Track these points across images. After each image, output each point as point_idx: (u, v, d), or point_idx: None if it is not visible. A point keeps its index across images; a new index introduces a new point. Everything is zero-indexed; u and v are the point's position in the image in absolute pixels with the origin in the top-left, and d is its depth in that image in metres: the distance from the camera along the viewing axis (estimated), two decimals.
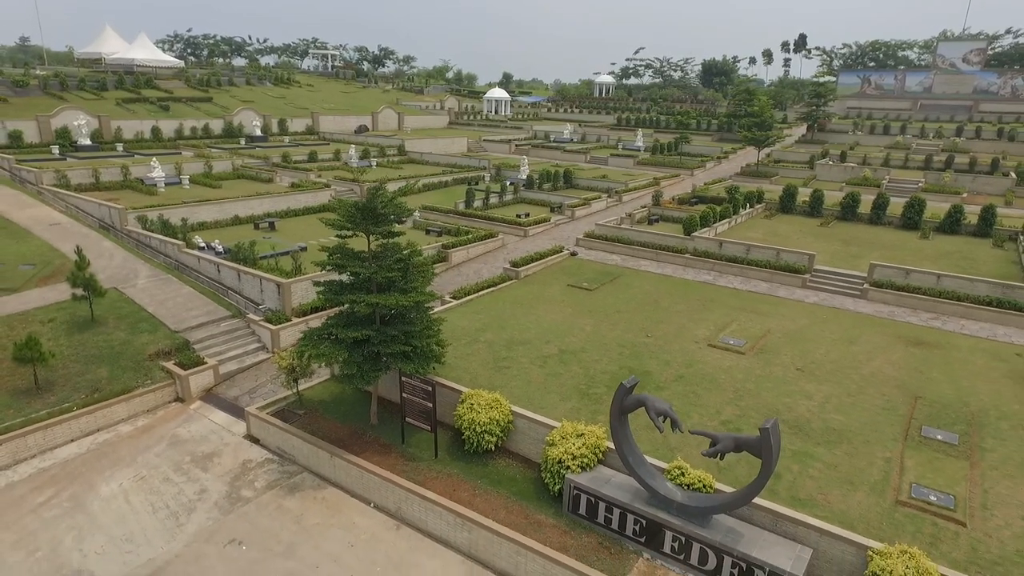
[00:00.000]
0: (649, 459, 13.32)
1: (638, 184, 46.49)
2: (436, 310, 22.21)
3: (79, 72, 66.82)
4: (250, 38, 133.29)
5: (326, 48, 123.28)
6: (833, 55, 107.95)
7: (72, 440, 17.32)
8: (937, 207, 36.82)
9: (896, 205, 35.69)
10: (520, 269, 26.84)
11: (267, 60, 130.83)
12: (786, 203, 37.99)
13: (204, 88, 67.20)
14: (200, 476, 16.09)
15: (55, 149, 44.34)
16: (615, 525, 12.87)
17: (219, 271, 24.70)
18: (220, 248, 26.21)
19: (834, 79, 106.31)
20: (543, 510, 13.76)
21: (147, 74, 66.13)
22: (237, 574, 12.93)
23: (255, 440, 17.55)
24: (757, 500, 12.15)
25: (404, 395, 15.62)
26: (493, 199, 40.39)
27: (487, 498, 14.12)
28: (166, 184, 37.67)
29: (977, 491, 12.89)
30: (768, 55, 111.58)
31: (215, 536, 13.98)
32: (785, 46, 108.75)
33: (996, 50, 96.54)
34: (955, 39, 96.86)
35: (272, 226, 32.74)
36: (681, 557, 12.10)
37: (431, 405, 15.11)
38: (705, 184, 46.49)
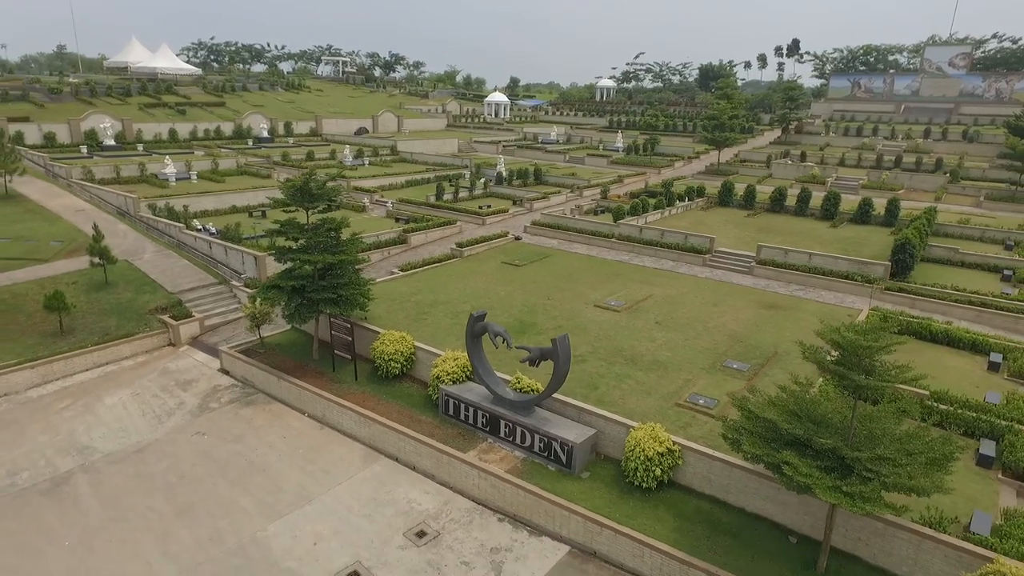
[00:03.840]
0: (499, 374, 17.96)
1: (602, 181, 50.81)
2: (381, 279, 27.16)
3: (107, 79, 73.34)
4: (268, 45, 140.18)
5: (339, 54, 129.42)
6: (825, 59, 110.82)
7: (87, 369, 22.47)
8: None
9: (817, 199, 39.59)
10: (464, 249, 31.54)
11: (284, 66, 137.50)
12: (724, 197, 42.12)
13: (219, 93, 73.21)
14: (180, 394, 21.10)
15: (83, 149, 50.33)
16: (470, 420, 17.50)
17: (211, 248, 29.86)
18: (213, 230, 31.37)
19: (823, 82, 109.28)
20: (425, 414, 18.45)
21: (168, 81, 72.36)
22: (197, 451, 17.86)
23: (226, 372, 22.53)
24: (567, 399, 16.72)
25: (332, 332, 20.47)
26: (463, 193, 45.13)
27: (387, 407, 18.84)
28: (177, 179, 43.17)
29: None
30: (763, 59, 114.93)
31: (185, 430, 18.96)
32: (779, 51, 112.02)
33: (983, 53, 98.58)
34: (942, 44, 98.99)
35: (264, 214, 37.89)
36: (510, 439, 16.68)
37: (350, 339, 19.93)
38: (663, 181, 50.65)
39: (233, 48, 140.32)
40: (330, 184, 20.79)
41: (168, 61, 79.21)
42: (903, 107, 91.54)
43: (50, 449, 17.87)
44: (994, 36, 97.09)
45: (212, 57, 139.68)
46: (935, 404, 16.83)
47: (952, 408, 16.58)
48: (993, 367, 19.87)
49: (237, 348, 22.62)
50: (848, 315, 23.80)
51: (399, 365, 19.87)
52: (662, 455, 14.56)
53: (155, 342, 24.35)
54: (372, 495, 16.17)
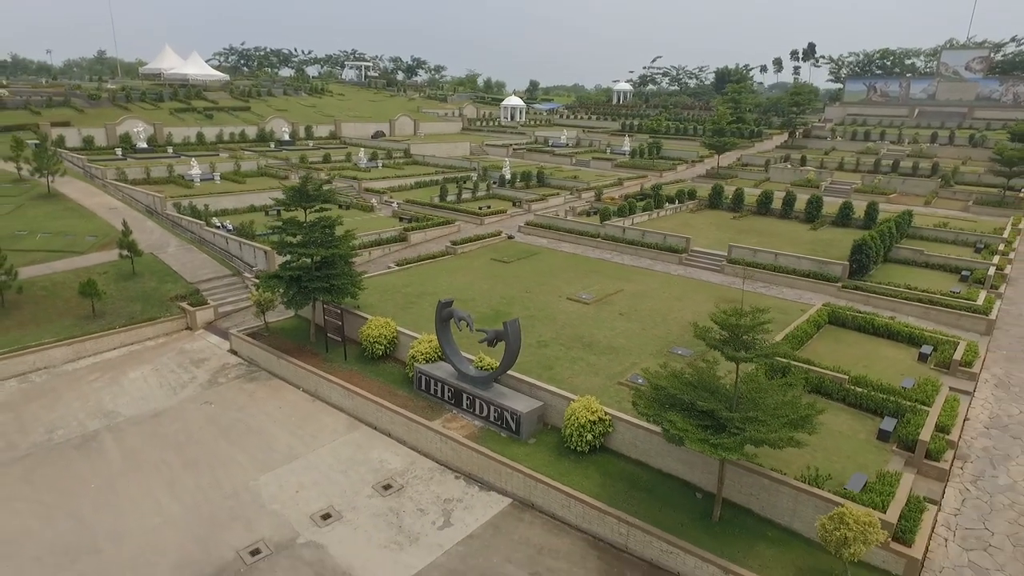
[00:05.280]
0: (465, 354, 20.39)
1: (602, 184, 52.91)
2: (376, 273, 29.82)
3: (142, 85, 77.83)
4: (296, 50, 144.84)
5: (363, 59, 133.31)
6: (841, 63, 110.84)
7: (114, 348, 25.52)
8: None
9: (802, 202, 41.16)
10: (458, 247, 34.06)
11: (311, 70, 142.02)
12: (714, 200, 43.94)
13: (245, 98, 77.08)
14: (194, 370, 23.98)
15: (118, 151, 54.19)
16: (439, 394, 19.96)
17: (227, 243, 32.89)
18: (230, 227, 34.43)
19: (840, 86, 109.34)
20: (402, 389, 20.95)
21: (198, 87, 76.46)
22: (205, 417, 20.65)
23: (234, 352, 25.37)
24: (522, 376, 19.04)
25: (326, 317, 23.15)
26: (467, 195, 47.68)
27: (370, 383, 21.37)
28: (201, 180, 46.56)
29: None
30: (778, 63, 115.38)
31: (196, 399, 21.79)
32: (794, 55, 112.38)
33: (1002, 57, 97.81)
34: (959, 47, 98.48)
35: (279, 213, 40.92)
36: (471, 410, 19.09)
37: (341, 323, 22.57)
38: (660, 184, 52.51)
39: (262, 53, 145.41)
40: (325, 187, 23.44)
41: (198, 68, 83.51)
42: (917, 111, 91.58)
43: (82, 413, 20.84)
44: (1012, 40, 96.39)
45: (242, 62, 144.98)
46: (852, 387, 18.78)
47: (866, 390, 18.52)
48: (923, 358, 21.65)
49: (245, 332, 25.43)
50: (801, 310, 25.69)
51: (382, 347, 22.42)
52: (593, 423, 16.81)
53: (174, 326, 27.34)
54: (350, 456, 18.72)
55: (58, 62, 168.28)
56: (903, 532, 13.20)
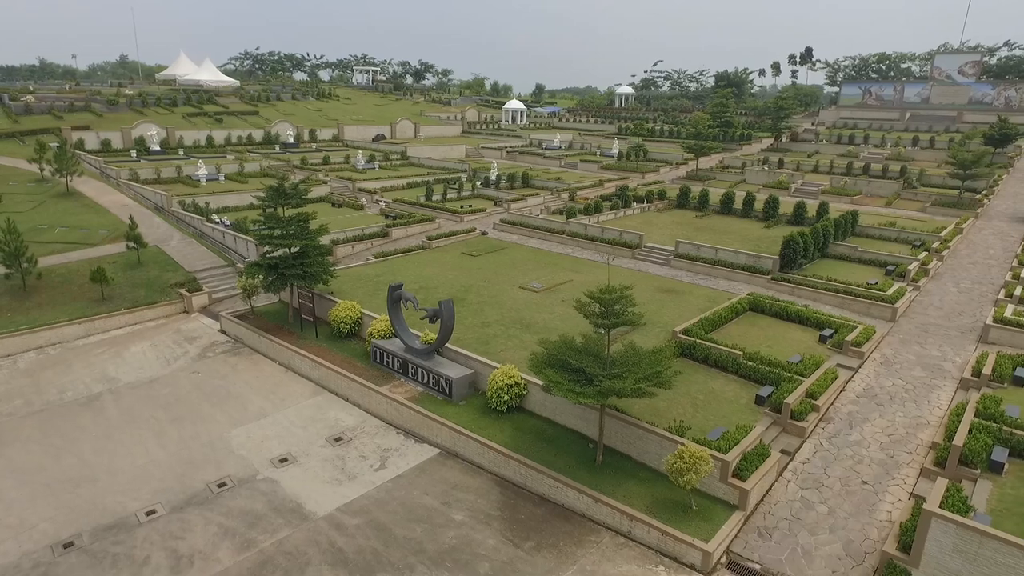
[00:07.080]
0: (413, 331, 23.55)
1: (584, 185, 55.81)
2: (354, 264, 33.08)
3: (157, 91, 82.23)
4: (308, 55, 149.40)
5: (373, 64, 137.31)
6: (837, 67, 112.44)
7: (119, 327, 29.06)
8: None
9: (760, 202, 43.74)
10: (433, 242, 37.24)
11: (323, 74, 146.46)
12: (681, 200, 46.66)
13: (254, 103, 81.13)
14: (187, 346, 27.42)
15: (133, 153, 58.25)
16: (391, 365, 23.12)
17: (224, 237, 36.41)
18: (227, 222, 37.97)
19: (837, 89, 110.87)
20: (361, 362, 24.14)
21: (210, 92, 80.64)
22: (192, 384, 24.03)
23: (223, 332, 28.79)
24: (460, 350, 22.13)
25: (300, 300, 26.45)
26: (452, 195, 50.88)
27: (335, 356, 24.59)
28: (207, 180, 50.30)
29: None
30: (776, 67, 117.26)
31: (186, 369, 25.19)
32: (792, 58, 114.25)
33: (995, 61, 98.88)
34: (953, 52, 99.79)
35: (276, 210, 44.40)
36: (415, 378, 22.23)
37: (312, 305, 25.85)
38: (638, 184, 55.34)
39: (276, 57, 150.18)
40: (301, 186, 26.77)
41: (210, 74, 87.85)
42: (908, 115, 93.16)
43: (88, 378, 24.34)
44: (1005, 44, 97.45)
45: (256, 66, 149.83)
46: (745, 361, 21.60)
47: (755, 364, 21.34)
48: (823, 339, 24.38)
49: (233, 314, 28.82)
50: (728, 298, 28.47)
51: (348, 326, 25.65)
52: (510, 387, 19.84)
53: (173, 309, 30.85)
54: (311, 415, 21.96)
55: (83, 66, 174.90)
56: (741, 471, 16.07)
